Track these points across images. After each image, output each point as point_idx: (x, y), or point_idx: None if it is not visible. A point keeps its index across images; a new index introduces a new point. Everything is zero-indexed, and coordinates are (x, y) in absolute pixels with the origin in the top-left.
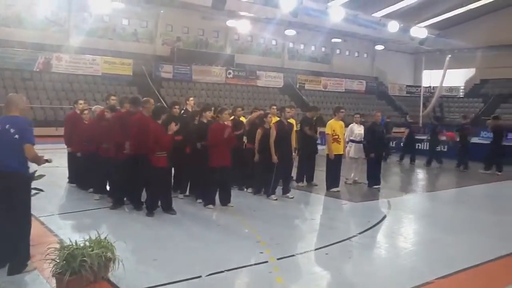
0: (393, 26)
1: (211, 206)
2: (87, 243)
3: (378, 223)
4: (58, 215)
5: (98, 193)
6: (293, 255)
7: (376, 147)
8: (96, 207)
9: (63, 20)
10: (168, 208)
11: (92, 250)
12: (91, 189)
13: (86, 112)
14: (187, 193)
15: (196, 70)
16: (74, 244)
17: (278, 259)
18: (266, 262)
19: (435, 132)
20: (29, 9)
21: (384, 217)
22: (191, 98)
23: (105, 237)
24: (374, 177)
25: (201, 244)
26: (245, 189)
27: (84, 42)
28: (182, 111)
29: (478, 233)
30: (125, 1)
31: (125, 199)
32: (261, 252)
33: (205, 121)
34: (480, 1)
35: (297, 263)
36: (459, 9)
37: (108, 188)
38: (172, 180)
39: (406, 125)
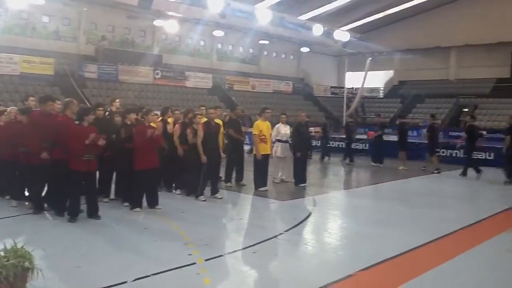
0: (318, 29)
1: (138, 209)
2: (2, 253)
3: (304, 220)
4: None
5: (16, 200)
6: (221, 255)
7: (302, 147)
8: (14, 214)
9: None
10: (93, 213)
11: (8, 260)
12: (7, 196)
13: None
14: (112, 196)
15: (122, 70)
16: None
17: (206, 260)
18: (194, 263)
19: (350, 131)
20: None
21: (310, 214)
22: (117, 100)
23: (22, 246)
24: (300, 175)
25: (127, 249)
26: (174, 191)
27: (0, 40)
28: (107, 112)
29: (396, 226)
30: None
31: (45, 205)
32: (189, 254)
33: (128, 123)
34: (397, 7)
35: (225, 263)
36: (378, 14)
37: (26, 194)
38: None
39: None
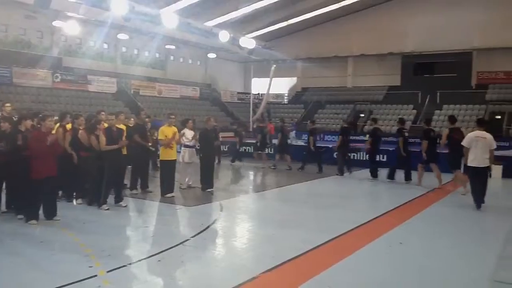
0: (224, 36)
1: (34, 221)
2: None
3: (210, 225)
4: None
5: None
6: (125, 266)
7: (209, 152)
8: None
9: None
10: None
11: None
12: None
13: None
14: (4, 209)
15: (17, 72)
16: None
17: (108, 271)
18: (95, 276)
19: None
20: None
21: (217, 219)
22: (7, 104)
23: None
24: (207, 181)
25: (21, 264)
26: (75, 201)
27: None
28: None
29: (299, 227)
30: None
31: None
32: (90, 266)
33: (23, 129)
34: (298, 17)
35: (128, 274)
36: (282, 23)
37: None
38: None
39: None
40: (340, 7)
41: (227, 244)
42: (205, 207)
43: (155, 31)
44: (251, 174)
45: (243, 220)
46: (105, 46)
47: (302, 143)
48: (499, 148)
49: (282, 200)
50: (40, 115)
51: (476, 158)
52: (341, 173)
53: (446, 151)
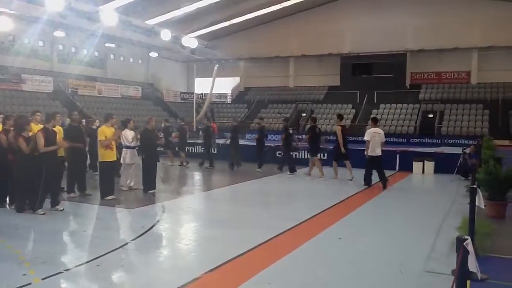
0: (166, 35)
1: None
2: None
3: (152, 227)
4: None
5: None
6: (61, 272)
7: (150, 152)
8: None
9: None
10: None
11: None
12: None
13: None
14: None
15: None
16: None
17: (43, 279)
18: (29, 284)
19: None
20: None
21: (159, 220)
22: None
23: None
24: (149, 182)
25: None
26: (7, 206)
27: None
28: None
29: (241, 226)
30: None
31: None
32: (24, 274)
33: None
34: (240, 17)
35: (65, 280)
36: (224, 23)
37: None
38: None
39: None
40: (281, 8)
41: (169, 246)
42: (147, 209)
43: (93, 29)
44: (196, 174)
45: (186, 221)
46: (41, 43)
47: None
48: (431, 145)
49: (225, 200)
50: None
51: (374, 149)
52: (292, 171)
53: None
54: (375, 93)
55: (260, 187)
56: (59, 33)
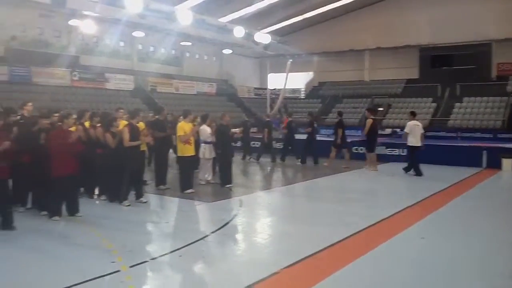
0: (239, 32)
1: (56, 217)
2: None
3: (230, 220)
4: None
5: None
6: (146, 261)
7: (225, 147)
8: None
9: None
10: (7, 225)
11: None
12: None
13: None
14: (29, 205)
15: (36, 71)
16: None
17: (130, 266)
18: (118, 271)
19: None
20: None
21: (236, 214)
22: (29, 103)
23: None
24: (226, 176)
25: (46, 260)
26: (96, 197)
27: None
28: (19, 116)
29: (318, 223)
30: None
31: None
32: (113, 261)
33: (42, 128)
34: (313, 11)
35: (150, 269)
36: (296, 17)
37: None
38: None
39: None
40: (354, 1)
41: (247, 240)
42: (225, 202)
43: (170, 28)
44: (271, 170)
45: (263, 216)
46: (121, 43)
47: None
48: None
49: (300, 195)
50: (62, 113)
51: (415, 139)
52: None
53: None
54: (458, 86)
55: (336, 183)
56: (138, 33)
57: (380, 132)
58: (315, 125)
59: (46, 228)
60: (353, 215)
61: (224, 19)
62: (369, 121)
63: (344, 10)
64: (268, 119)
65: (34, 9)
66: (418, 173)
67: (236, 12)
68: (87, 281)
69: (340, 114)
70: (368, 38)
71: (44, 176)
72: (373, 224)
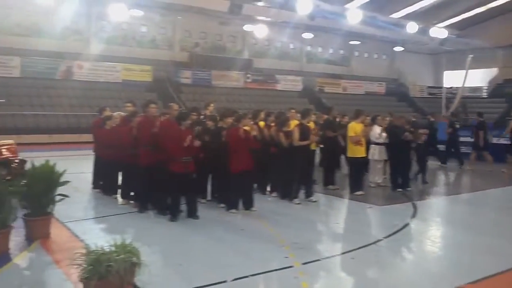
0: (412, 27)
1: (234, 210)
2: (113, 248)
3: (404, 226)
4: (84, 220)
5: (123, 199)
6: (318, 260)
7: (399, 150)
8: (121, 212)
9: (83, 28)
10: (192, 214)
11: (118, 255)
12: (115, 195)
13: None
14: (209, 197)
15: (215, 75)
16: (100, 249)
17: (303, 263)
18: (291, 267)
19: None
20: (49, 18)
21: (410, 220)
22: (212, 104)
23: (130, 242)
24: (398, 180)
25: (224, 249)
26: (268, 193)
27: (104, 50)
28: (202, 116)
29: (502, 237)
30: (143, 9)
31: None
32: (286, 257)
33: (224, 126)
34: (498, 0)
35: (322, 268)
36: (479, 8)
37: (132, 193)
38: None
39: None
40: None
41: (422, 249)
42: (397, 207)
43: (339, 28)
44: (450, 175)
45: (438, 224)
46: (291, 45)
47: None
48: None
49: (482, 205)
50: (239, 113)
51: None
52: None
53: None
54: None
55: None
56: (307, 35)
57: None
58: (457, 125)
59: (224, 219)
60: None
61: (395, 15)
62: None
63: None
64: (432, 119)
65: (214, 17)
66: None
67: (409, 7)
68: (263, 272)
69: (480, 115)
70: None
71: (223, 171)
72: None
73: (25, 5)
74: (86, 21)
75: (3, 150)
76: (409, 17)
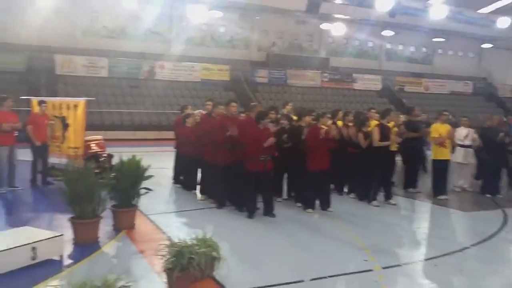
0: (503, 22)
1: (310, 210)
2: (194, 242)
3: (494, 234)
4: (165, 213)
5: (202, 194)
6: (399, 265)
7: (492, 153)
8: (200, 207)
9: (164, 30)
10: (268, 211)
11: (199, 249)
12: (195, 190)
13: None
14: (285, 196)
15: (291, 74)
16: (182, 242)
17: (383, 268)
18: (371, 270)
19: None
20: (133, 22)
21: (500, 229)
22: (289, 104)
23: (210, 237)
24: (488, 184)
25: (301, 248)
26: (346, 194)
27: (184, 50)
28: (279, 115)
29: None
30: (222, 10)
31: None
32: (365, 260)
33: (303, 125)
34: None
35: (403, 274)
36: None
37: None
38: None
39: None
40: None
41: None
42: (485, 214)
43: (421, 25)
44: None
45: None
46: (369, 44)
47: None
48: None
49: None
50: (318, 112)
51: None
52: None
53: None
54: None
55: None
56: (387, 32)
57: None
58: None
59: (300, 218)
60: None
61: (484, 10)
62: None
63: None
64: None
65: (291, 17)
66: None
67: (499, 1)
68: (342, 274)
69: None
70: None
71: (300, 170)
72: None
73: (111, 9)
74: (167, 23)
75: (92, 145)
76: (499, 12)
